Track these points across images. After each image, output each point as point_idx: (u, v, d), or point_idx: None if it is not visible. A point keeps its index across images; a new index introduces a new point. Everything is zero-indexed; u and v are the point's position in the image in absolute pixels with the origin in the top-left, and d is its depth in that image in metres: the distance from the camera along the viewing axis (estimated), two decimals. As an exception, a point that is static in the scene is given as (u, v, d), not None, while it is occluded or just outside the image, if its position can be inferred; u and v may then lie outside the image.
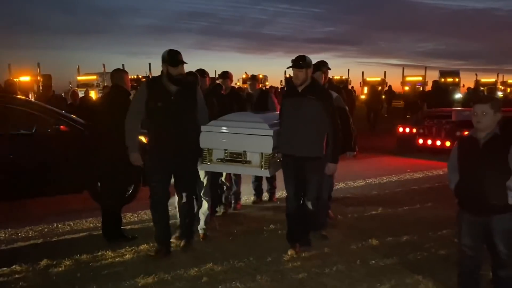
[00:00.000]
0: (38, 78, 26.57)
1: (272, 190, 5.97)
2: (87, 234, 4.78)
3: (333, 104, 3.95)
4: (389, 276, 3.51)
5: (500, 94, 25.10)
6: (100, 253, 4.08)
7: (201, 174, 4.26)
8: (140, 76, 28.39)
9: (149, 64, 31.06)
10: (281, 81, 27.82)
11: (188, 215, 4.08)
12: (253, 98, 5.72)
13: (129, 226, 4.88)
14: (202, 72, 4.93)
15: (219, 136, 3.87)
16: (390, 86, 25.12)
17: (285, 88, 4.82)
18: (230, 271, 3.66)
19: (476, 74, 31.99)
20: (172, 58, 3.76)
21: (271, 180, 5.83)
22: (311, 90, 3.85)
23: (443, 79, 29.68)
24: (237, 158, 3.87)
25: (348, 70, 34.82)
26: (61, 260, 3.90)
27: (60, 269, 3.77)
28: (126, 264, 3.86)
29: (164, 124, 3.79)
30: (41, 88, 25.36)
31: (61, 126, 5.58)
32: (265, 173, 3.91)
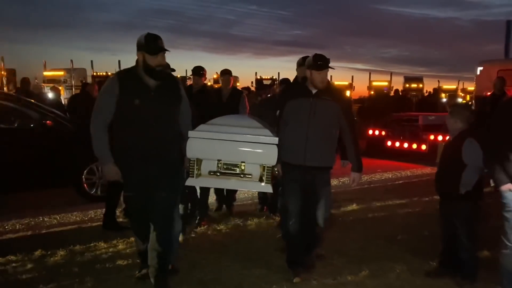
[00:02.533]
0: (2, 72, 25.74)
1: (232, 202, 5.40)
2: (76, 227, 4.90)
3: (351, 106, 3.63)
4: (367, 264, 3.84)
5: (460, 100, 26.33)
6: (92, 244, 4.22)
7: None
8: (109, 74, 27.98)
9: (119, 61, 30.31)
10: (252, 82, 28.05)
11: (162, 256, 3.14)
12: (222, 97, 5.03)
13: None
14: (199, 70, 4.84)
15: (211, 143, 3.17)
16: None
17: (288, 87, 4.20)
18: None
19: (438, 81, 33.25)
20: (151, 44, 2.97)
21: (233, 191, 5.32)
22: (327, 90, 3.41)
23: (407, 85, 30.88)
24: (233, 170, 3.25)
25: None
26: (55, 251, 4.02)
27: (55, 258, 3.89)
28: (120, 254, 4.00)
29: (141, 126, 3.02)
30: (5, 83, 24.58)
31: (47, 121, 5.65)
32: (266, 188, 3.29)
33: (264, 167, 3.22)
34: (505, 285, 3.03)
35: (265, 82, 27.35)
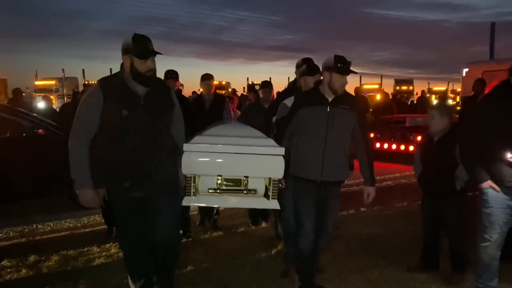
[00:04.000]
0: (-6, 82, 25.69)
1: (215, 216, 5.05)
2: (69, 233, 5.01)
3: (365, 115, 3.36)
4: (353, 261, 3.99)
5: (450, 101, 26.68)
6: (86, 249, 4.32)
7: None
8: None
9: (110, 69, 30.37)
10: (244, 88, 28.23)
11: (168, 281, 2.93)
12: (205, 103, 4.82)
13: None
14: (172, 73, 4.59)
15: (210, 157, 2.77)
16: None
17: (298, 94, 3.41)
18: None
19: (428, 83, 33.63)
20: (140, 47, 2.59)
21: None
22: (343, 98, 3.13)
23: (398, 87, 31.20)
24: (236, 186, 2.88)
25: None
26: (49, 256, 4.12)
27: (50, 263, 3.99)
28: (113, 258, 4.10)
29: (131, 140, 2.64)
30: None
31: (39, 130, 5.75)
32: (273, 204, 2.88)
33: (269, 181, 2.84)
34: (482, 276, 3.17)
35: (256, 87, 27.52)
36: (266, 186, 2.87)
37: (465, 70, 13.02)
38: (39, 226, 5.32)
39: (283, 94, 4.12)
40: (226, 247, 4.38)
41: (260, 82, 28.39)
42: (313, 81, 3.37)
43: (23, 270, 3.83)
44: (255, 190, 2.86)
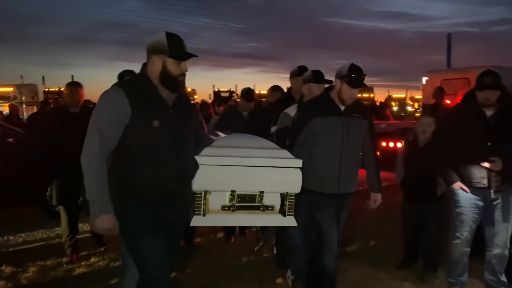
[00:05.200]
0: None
1: (193, 237, 4.78)
2: (44, 244, 4.91)
3: (374, 123, 3.31)
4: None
5: (409, 108, 27.72)
6: (63, 259, 4.25)
7: None
8: (62, 89, 27.28)
9: (72, 76, 29.75)
10: (210, 94, 28.24)
11: None
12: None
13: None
14: (125, 74, 4.02)
15: (223, 171, 2.49)
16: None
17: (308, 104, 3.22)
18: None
19: (388, 90, 34.84)
20: (178, 47, 2.28)
21: None
22: (354, 105, 3.03)
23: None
24: (250, 203, 2.60)
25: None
26: (26, 267, 4.04)
27: (28, 274, 3.91)
28: (93, 266, 4.09)
29: (160, 156, 2.29)
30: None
31: (9, 139, 5.61)
32: (290, 221, 2.62)
33: (286, 196, 2.60)
34: (454, 272, 3.39)
35: (223, 94, 27.61)
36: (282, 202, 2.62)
37: (425, 78, 13.67)
38: (10, 237, 5.17)
39: (276, 104, 4.02)
40: (208, 252, 4.44)
41: (226, 90, 28.15)
42: (319, 89, 3.28)
43: (0, 282, 3.74)
44: (272, 207, 2.61)
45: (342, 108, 2.99)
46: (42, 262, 4.17)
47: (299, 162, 2.57)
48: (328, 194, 3.01)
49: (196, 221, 2.46)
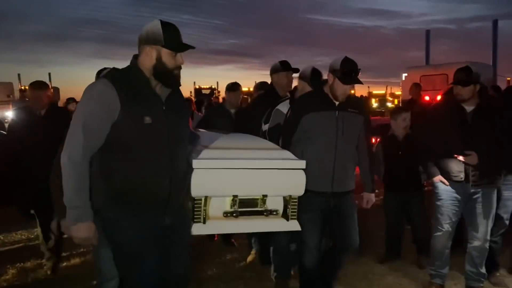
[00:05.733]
0: None
1: None
2: (22, 245, 4.82)
3: (370, 119, 3.11)
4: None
5: (389, 104, 28.06)
6: (43, 261, 4.16)
7: None
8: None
9: (49, 74, 29.29)
10: (191, 92, 28.05)
11: None
12: None
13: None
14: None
15: (224, 174, 2.32)
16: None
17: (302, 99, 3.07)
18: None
19: (368, 87, 35.14)
20: (174, 37, 2.08)
21: None
22: (349, 100, 2.91)
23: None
24: (253, 207, 2.45)
25: (255, 82, 36.21)
26: (6, 269, 3.97)
27: (7, 276, 3.85)
28: (75, 267, 4.04)
29: (152, 155, 2.06)
30: None
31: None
32: (293, 225, 2.51)
33: (289, 199, 2.47)
34: (435, 264, 3.45)
35: (204, 91, 27.49)
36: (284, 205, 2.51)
37: (404, 75, 13.88)
38: (-12, 239, 5.06)
39: (260, 100, 3.88)
40: (192, 250, 4.39)
41: (207, 87, 27.99)
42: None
43: (-21, 286, 3.66)
44: (276, 211, 2.47)
45: (337, 103, 2.86)
46: (22, 264, 4.10)
47: (302, 163, 2.46)
48: (322, 193, 2.86)
49: (197, 229, 2.32)
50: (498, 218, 3.42)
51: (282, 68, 3.56)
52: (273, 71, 3.62)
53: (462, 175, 3.21)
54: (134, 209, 2.06)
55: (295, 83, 3.59)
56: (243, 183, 2.37)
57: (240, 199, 2.38)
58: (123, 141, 2.01)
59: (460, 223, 3.42)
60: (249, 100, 11.68)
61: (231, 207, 2.37)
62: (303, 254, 2.97)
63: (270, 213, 2.45)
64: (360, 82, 2.82)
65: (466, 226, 3.40)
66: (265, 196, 2.42)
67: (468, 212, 3.32)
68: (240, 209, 2.39)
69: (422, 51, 21.11)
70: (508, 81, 17.44)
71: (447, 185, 3.28)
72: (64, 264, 4.10)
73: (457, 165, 3.21)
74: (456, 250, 3.55)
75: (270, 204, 2.44)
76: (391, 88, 34.49)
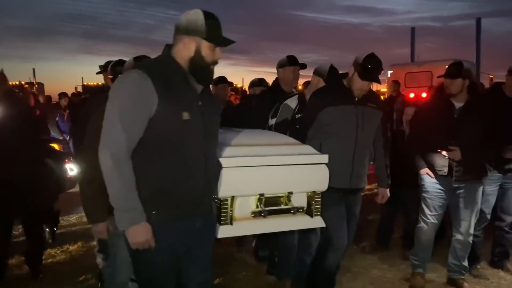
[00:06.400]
0: None
1: None
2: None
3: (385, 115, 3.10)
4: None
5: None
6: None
7: None
8: (23, 83, 26.21)
9: (33, 69, 28.82)
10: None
11: None
12: None
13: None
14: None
15: (250, 173, 2.23)
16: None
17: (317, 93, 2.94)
18: None
19: (354, 83, 35.33)
20: (216, 29, 1.95)
21: None
22: (368, 95, 2.85)
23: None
24: (278, 205, 2.35)
25: (243, 78, 36.41)
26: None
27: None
28: (60, 264, 4.01)
29: (189, 154, 1.93)
30: None
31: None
32: (317, 222, 2.43)
33: (313, 195, 2.39)
34: (419, 254, 3.50)
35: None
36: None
37: (390, 72, 14.00)
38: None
39: (265, 96, 3.73)
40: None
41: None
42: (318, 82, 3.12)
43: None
44: (302, 208, 2.39)
45: (356, 96, 2.78)
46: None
47: (325, 158, 2.39)
48: (340, 190, 2.76)
49: (224, 231, 2.19)
50: (480, 212, 3.48)
51: (289, 62, 3.52)
52: (280, 66, 3.58)
53: (446, 170, 3.27)
54: (169, 212, 1.91)
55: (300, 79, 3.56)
56: (269, 180, 2.28)
57: (266, 198, 2.28)
58: (158, 138, 1.85)
59: (445, 215, 3.49)
60: (237, 97, 11.67)
61: (257, 207, 2.26)
62: (331, 252, 2.86)
63: (297, 210, 2.36)
64: (378, 81, 2.78)
65: (450, 219, 3.47)
66: (290, 193, 2.33)
67: (452, 206, 3.39)
68: (268, 208, 2.29)
69: (408, 48, 21.29)
70: (491, 78, 17.74)
71: (433, 178, 3.35)
72: (50, 260, 4.07)
73: (442, 159, 3.27)
74: (438, 241, 3.62)
75: (294, 201, 2.35)
76: (376, 85, 34.75)
